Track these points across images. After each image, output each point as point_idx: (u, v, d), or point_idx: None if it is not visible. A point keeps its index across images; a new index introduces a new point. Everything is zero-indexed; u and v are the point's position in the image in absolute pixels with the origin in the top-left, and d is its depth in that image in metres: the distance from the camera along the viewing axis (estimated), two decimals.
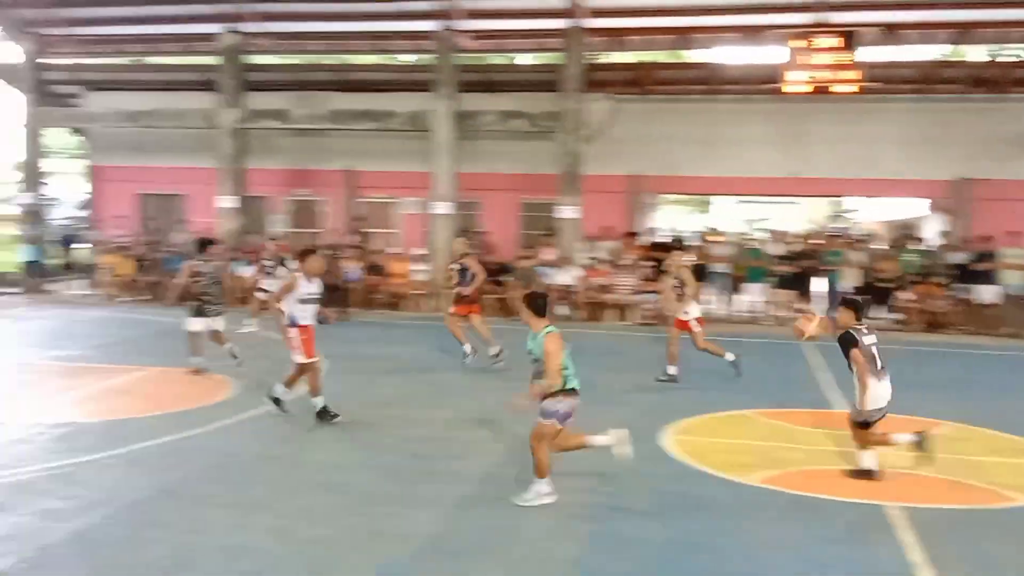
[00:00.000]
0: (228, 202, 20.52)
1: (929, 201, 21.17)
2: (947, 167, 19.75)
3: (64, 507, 7.02)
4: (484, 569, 6.12)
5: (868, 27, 18.90)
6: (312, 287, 9.92)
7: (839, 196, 26.11)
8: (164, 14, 21.70)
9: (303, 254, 10.29)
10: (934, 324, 17.44)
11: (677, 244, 14.68)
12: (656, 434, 9.41)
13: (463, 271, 13.48)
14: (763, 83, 19.52)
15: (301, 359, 9.76)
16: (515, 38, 21.84)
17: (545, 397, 7.24)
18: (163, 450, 8.71)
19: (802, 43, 17.97)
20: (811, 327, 8.49)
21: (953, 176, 19.76)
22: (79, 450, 8.59)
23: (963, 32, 19.67)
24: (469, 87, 19.88)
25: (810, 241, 19.81)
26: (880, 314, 17.11)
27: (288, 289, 9.90)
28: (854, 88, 17.96)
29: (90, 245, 21.82)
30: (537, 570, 6.14)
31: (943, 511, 7.39)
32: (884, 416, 8.05)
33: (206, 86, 21.89)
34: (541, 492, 7.35)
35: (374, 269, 19.42)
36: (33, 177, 22.23)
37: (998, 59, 22.16)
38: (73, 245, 23.01)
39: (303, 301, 9.84)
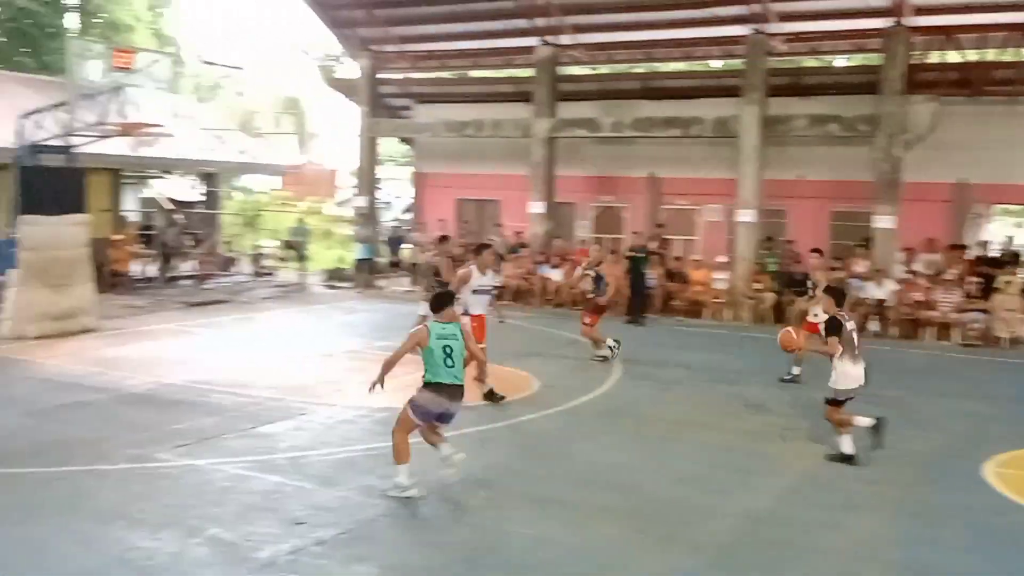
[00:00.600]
0: (538, 207, 21.37)
1: None
2: None
3: (382, 485, 7.67)
4: None
5: None
6: (485, 279, 10.67)
7: None
8: (486, 30, 23.11)
9: (478, 249, 11.12)
10: None
11: (1011, 259, 13.28)
12: (975, 464, 8.64)
13: (598, 278, 13.25)
14: None
15: (471, 345, 9.63)
16: (831, 39, 20.90)
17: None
18: (471, 439, 9.24)
19: None
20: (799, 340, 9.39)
21: None
22: None
23: None
24: (778, 91, 19.28)
25: None
26: None
27: (464, 280, 10.62)
28: None
29: (413, 245, 23.56)
30: None
31: None
32: (854, 397, 8.62)
33: (521, 97, 22.96)
34: (399, 485, 7.34)
35: (674, 276, 19.38)
36: (367, 182, 24.42)
37: None
38: (400, 245, 24.94)
39: (476, 292, 10.64)
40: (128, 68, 14.60)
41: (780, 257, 19.16)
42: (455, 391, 7.59)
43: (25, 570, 5.81)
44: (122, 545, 6.25)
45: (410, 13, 23.38)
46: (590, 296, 13.69)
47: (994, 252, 19.27)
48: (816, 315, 11.55)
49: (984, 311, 16.32)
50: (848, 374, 8.55)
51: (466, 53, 24.18)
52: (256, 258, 25.08)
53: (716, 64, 25.69)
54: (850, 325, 8.73)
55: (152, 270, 22.12)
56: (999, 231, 26.44)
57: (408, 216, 28.44)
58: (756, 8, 18.99)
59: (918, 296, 16.92)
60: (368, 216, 23.52)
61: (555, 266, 20.04)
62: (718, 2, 19.38)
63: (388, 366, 7.70)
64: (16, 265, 14.33)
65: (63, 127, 14.65)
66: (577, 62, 23.53)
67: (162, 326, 15.75)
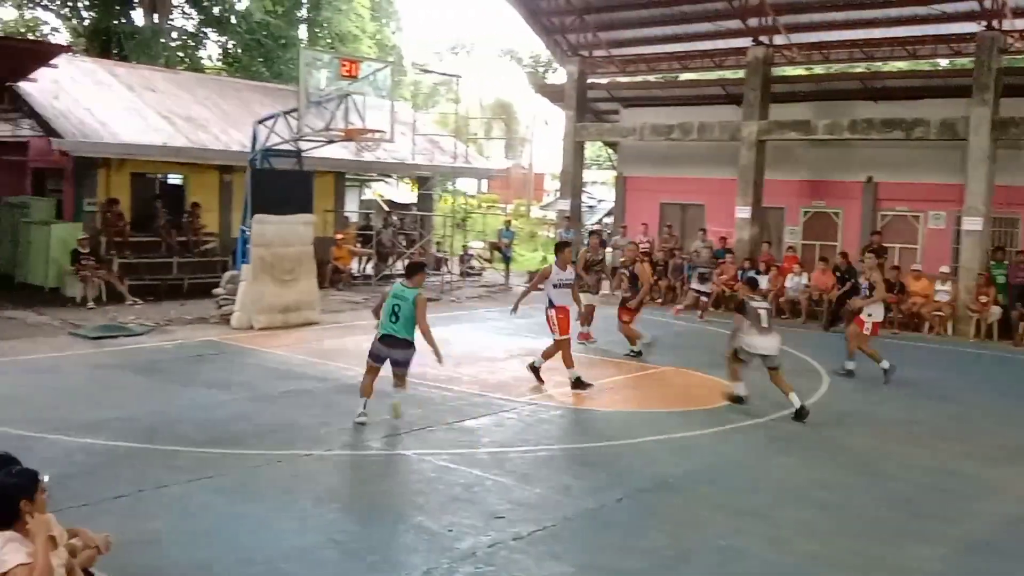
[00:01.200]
0: (744, 212, 20.89)
1: None
2: None
3: (578, 485, 7.79)
4: None
5: None
6: (565, 275, 11.80)
7: None
8: (697, 32, 22.88)
9: (558, 248, 12.39)
10: None
11: None
12: None
13: (633, 278, 13.55)
14: None
15: (557, 336, 11.55)
16: None
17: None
18: (668, 445, 9.22)
19: None
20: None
21: None
22: (595, 435, 9.46)
23: None
24: (1011, 91, 17.93)
25: None
26: None
27: (544, 276, 11.94)
28: None
29: (615, 249, 23.61)
30: None
31: None
32: (753, 359, 10.53)
33: (730, 99, 22.56)
34: (358, 412, 9.32)
35: (891, 286, 18.38)
36: (572, 186, 24.69)
37: None
38: (603, 249, 25.00)
39: (557, 286, 11.72)
40: (353, 76, 15.46)
41: (1010, 269, 17.80)
42: (391, 340, 9.45)
43: (246, 544, 6.31)
44: (334, 526, 6.68)
45: (620, 18, 23.51)
46: (625, 296, 14.22)
47: None
48: None
49: None
50: (752, 343, 10.40)
51: (675, 56, 23.98)
52: (464, 259, 25.94)
53: (942, 63, 24.19)
54: (758, 304, 10.58)
55: (369, 268, 23.35)
56: None
57: (611, 219, 28.51)
58: (988, 3, 17.74)
59: None
60: (572, 219, 23.77)
61: (762, 272, 19.52)
62: None
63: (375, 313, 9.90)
64: (248, 260, 15.51)
65: (293, 132, 15.72)
66: (791, 62, 22.83)
67: (376, 321, 16.56)
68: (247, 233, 15.58)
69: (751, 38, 20.97)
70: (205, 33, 34.32)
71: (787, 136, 20.69)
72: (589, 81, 24.75)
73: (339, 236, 21.87)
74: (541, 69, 47.47)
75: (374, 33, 38.92)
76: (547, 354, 11.72)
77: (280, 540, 6.36)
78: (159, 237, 19.34)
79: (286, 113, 15.78)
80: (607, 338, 15.77)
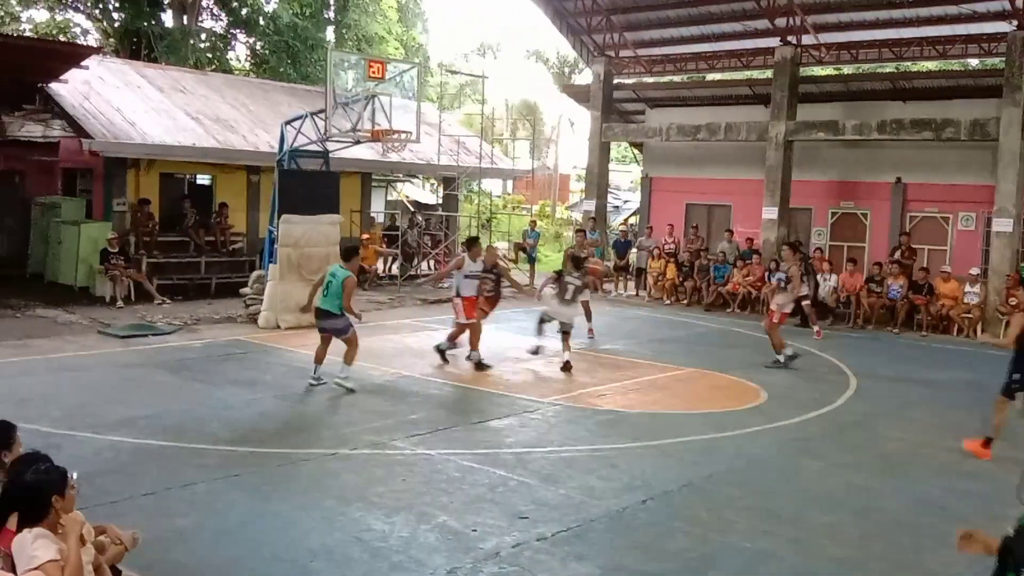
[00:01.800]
0: (770, 213, 20.75)
1: None
2: None
3: (603, 487, 7.77)
4: None
5: None
6: (475, 267, 12.79)
7: None
8: (724, 32, 22.79)
9: (469, 243, 13.33)
10: None
11: None
12: None
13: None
14: None
15: (461, 320, 12.78)
16: None
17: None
18: (693, 447, 9.18)
19: None
20: None
21: None
22: (619, 436, 9.43)
23: None
24: None
25: None
26: None
27: (457, 266, 12.93)
28: None
29: (640, 250, 23.54)
30: None
31: None
32: (553, 321, 13.07)
33: (758, 100, 22.43)
34: (311, 376, 10.96)
35: (918, 288, 18.21)
36: (597, 187, 24.64)
37: None
38: (628, 249, 24.97)
39: (467, 277, 12.75)
40: (380, 78, 15.53)
41: None
42: (320, 313, 10.97)
43: (272, 541, 6.35)
44: (359, 525, 6.70)
45: (647, 18, 23.47)
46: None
47: None
48: None
49: None
50: (557, 309, 13.01)
51: (702, 56, 23.88)
52: None
53: (973, 62, 23.92)
54: (570, 280, 12.96)
55: (395, 268, 23.42)
56: None
57: (636, 220, 28.42)
58: (1019, 3, 17.54)
59: None
60: (597, 220, 23.73)
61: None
62: None
63: (309, 297, 11.25)
64: (275, 260, 15.61)
65: (320, 133, 15.81)
66: (819, 62, 22.66)
67: (402, 321, 16.66)
68: (274, 233, 15.69)
69: (779, 38, 20.84)
70: (234, 35, 34.56)
71: (815, 136, 20.53)
72: (615, 81, 24.68)
73: (365, 236, 21.96)
74: (567, 70, 47.45)
75: (401, 34, 39.06)
76: (451, 337, 13.04)
77: (305, 538, 6.39)
78: (187, 237, 19.53)
79: (313, 114, 15.86)
80: (628, 339, 15.75)
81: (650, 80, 25.70)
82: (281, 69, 31.79)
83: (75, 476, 4.34)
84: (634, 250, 23.74)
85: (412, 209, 28.07)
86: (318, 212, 15.74)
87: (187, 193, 21.04)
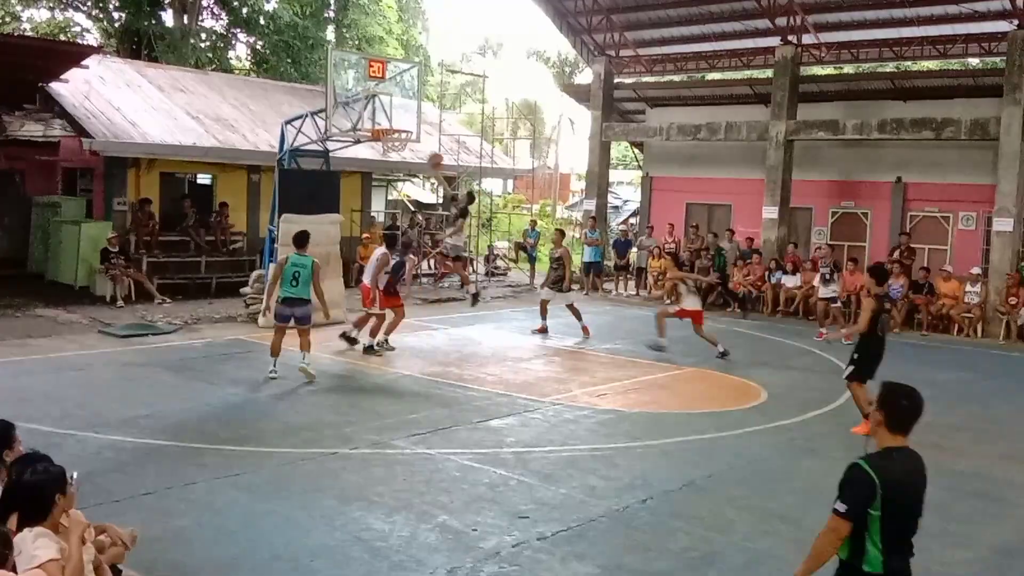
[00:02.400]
0: (771, 212, 20.75)
1: None
2: None
3: (603, 486, 7.77)
4: None
5: None
6: (393, 263, 13.62)
7: None
8: (724, 31, 22.79)
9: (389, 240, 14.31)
10: None
11: None
12: None
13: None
14: None
15: (375, 310, 13.36)
16: None
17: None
18: (694, 446, 9.18)
19: None
20: None
21: None
22: (619, 436, 9.44)
23: None
24: None
25: None
26: None
27: (384, 263, 13.35)
28: None
29: (640, 250, 23.53)
30: None
31: None
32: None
33: (758, 99, 22.43)
34: (270, 369, 11.22)
35: (919, 287, 18.21)
36: (597, 186, 24.63)
37: None
38: (628, 249, 24.98)
39: (386, 273, 13.38)
40: (380, 77, 15.52)
41: None
42: (293, 301, 11.24)
43: (272, 541, 6.35)
44: (359, 525, 6.70)
45: (647, 17, 23.48)
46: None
47: None
48: None
49: None
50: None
51: (702, 56, 23.89)
52: (489, 258, 25.95)
53: (973, 62, 23.92)
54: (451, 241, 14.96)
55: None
56: None
57: (636, 220, 28.41)
58: (1020, 2, 17.55)
59: None
60: (597, 219, 23.72)
61: (790, 272, 19.42)
62: None
63: (268, 293, 11.81)
64: (275, 259, 15.59)
65: (321, 132, 15.80)
66: (820, 62, 22.67)
67: (403, 321, 16.62)
68: (274, 232, 15.68)
69: (779, 37, 20.85)
70: (234, 34, 34.54)
71: (815, 136, 20.54)
72: (615, 81, 24.69)
73: (365, 236, 21.95)
74: (567, 69, 47.40)
75: (400, 34, 39.02)
76: (360, 322, 13.69)
77: (305, 537, 6.39)
78: (188, 236, 19.51)
79: (314, 114, 15.86)
80: (628, 339, 15.74)
81: (650, 80, 25.70)
82: (281, 69, 31.78)
83: (75, 475, 4.35)
84: (634, 249, 23.73)
85: (412, 209, 28.07)
86: (318, 212, 15.72)
87: (187, 193, 21.04)
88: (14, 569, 3.99)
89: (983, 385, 13.03)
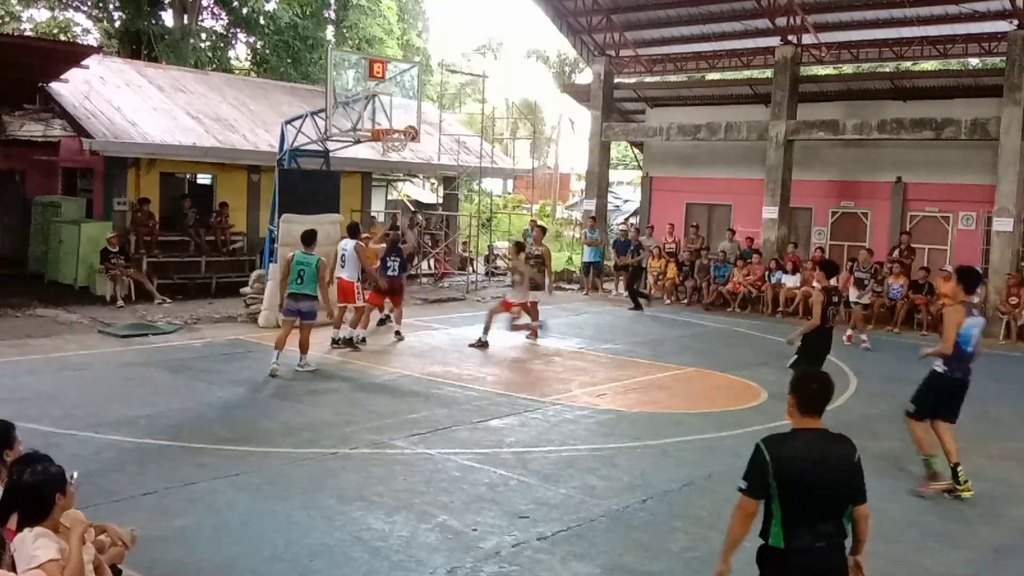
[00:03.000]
0: (771, 212, 20.76)
1: None
2: None
3: (603, 486, 7.77)
4: None
5: None
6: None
7: None
8: (724, 31, 22.79)
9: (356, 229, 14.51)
10: None
11: None
12: None
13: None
14: None
15: (359, 303, 13.83)
16: None
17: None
18: (694, 446, 9.18)
19: None
20: None
21: None
22: (619, 436, 9.44)
23: None
24: None
25: None
26: None
27: (373, 257, 14.03)
28: None
29: (641, 249, 23.52)
30: None
31: None
32: None
33: (758, 99, 22.43)
34: (272, 363, 11.47)
35: (918, 287, 18.20)
36: (597, 186, 24.64)
37: None
38: (627, 249, 25.00)
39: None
40: (380, 77, 15.52)
41: None
42: (299, 297, 11.67)
43: (272, 541, 6.35)
44: (359, 524, 6.71)
45: (647, 17, 23.48)
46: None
47: None
48: None
49: None
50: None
51: (702, 55, 23.89)
52: (489, 258, 25.95)
53: (973, 62, 23.92)
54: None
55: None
56: None
57: (636, 220, 28.42)
58: (1020, 2, 17.55)
59: None
60: (597, 219, 23.73)
61: (790, 272, 19.42)
62: None
63: (276, 291, 12.66)
64: (275, 260, 15.59)
65: (321, 132, 15.80)
66: (820, 62, 22.67)
67: (402, 321, 16.61)
68: (275, 232, 15.68)
69: (779, 37, 20.85)
70: (234, 34, 34.54)
71: (815, 136, 20.55)
72: (615, 81, 24.70)
73: (365, 235, 21.93)
74: (567, 69, 47.40)
75: (400, 35, 39.00)
76: (354, 322, 13.92)
77: (305, 537, 6.40)
78: (188, 236, 19.52)
79: (314, 114, 15.86)
80: (629, 338, 15.75)
81: (650, 79, 25.70)
82: (281, 69, 31.77)
83: (75, 475, 4.35)
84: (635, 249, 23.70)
85: (413, 208, 28.06)
86: (318, 211, 15.70)
87: (187, 192, 21.04)
88: (13, 569, 3.99)
89: (983, 385, 12.91)
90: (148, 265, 18.04)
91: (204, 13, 33.20)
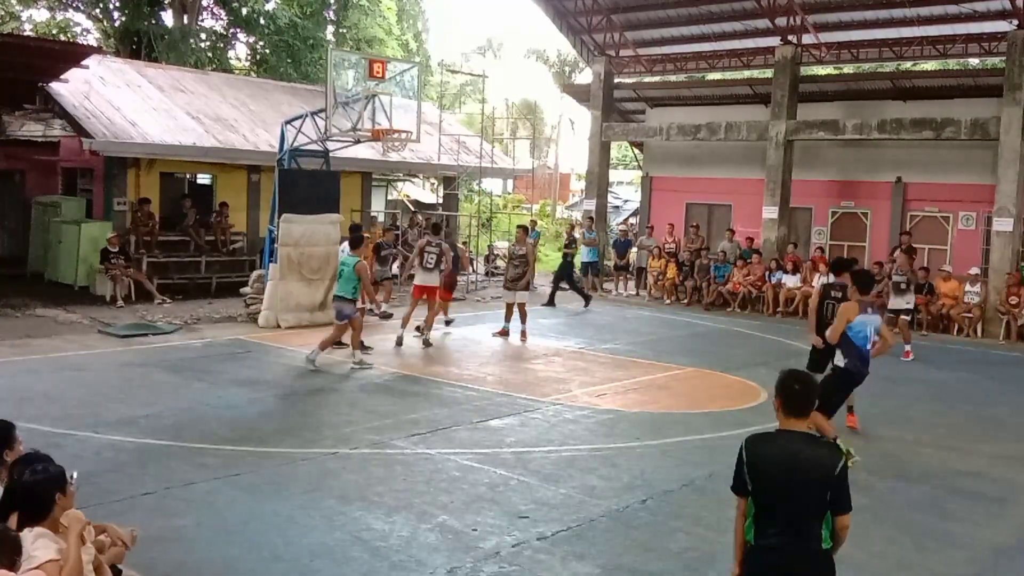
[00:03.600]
0: (771, 212, 20.76)
1: None
2: None
3: (603, 486, 7.77)
4: None
5: None
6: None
7: None
8: (724, 31, 22.80)
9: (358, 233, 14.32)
10: None
11: None
12: None
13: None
14: None
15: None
16: None
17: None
18: (694, 446, 9.18)
19: None
20: None
21: None
22: (619, 436, 9.43)
23: None
24: None
25: None
26: None
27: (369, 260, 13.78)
28: None
29: (640, 249, 23.52)
30: None
31: None
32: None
33: (758, 99, 22.43)
34: (310, 359, 11.93)
35: (918, 287, 18.18)
36: (597, 186, 24.64)
37: None
38: (627, 249, 25.01)
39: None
40: (380, 77, 15.51)
41: None
42: (335, 298, 12.47)
43: (272, 541, 6.34)
44: (359, 524, 6.70)
45: (647, 17, 23.49)
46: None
47: None
48: None
49: None
50: (419, 277, 14.58)
51: (702, 55, 23.89)
52: (489, 258, 25.94)
53: (973, 62, 23.93)
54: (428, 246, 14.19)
55: (395, 268, 23.36)
56: None
57: (636, 220, 28.42)
58: (1020, 2, 17.56)
59: None
60: (597, 219, 23.72)
61: (791, 272, 19.42)
62: None
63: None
64: (275, 259, 15.60)
65: (320, 132, 15.80)
66: (820, 62, 22.67)
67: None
68: (274, 232, 15.68)
69: (779, 37, 20.85)
70: (234, 34, 34.53)
71: (815, 136, 20.55)
72: (615, 81, 24.70)
73: (365, 235, 21.94)
74: (567, 69, 47.39)
75: (400, 35, 38.99)
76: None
77: (305, 538, 6.39)
78: (188, 236, 19.51)
79: (314, 114, 15.85)
80: (630, 338, 15.75)
81: (650, 79, 25.70)
82: (281, 69, 31.76)
83: (75, 475, 4.35)
84: (634, 249, 23.72)
85: (413, 208, 28.05)
86: (318, 211, 15.73)
87: (187, 192, 21.03)
88: (16, 570, 3.99)
89: (983, 385, 13.02)
90: (148, 265, 18.04)
91: (204, 13, 33.20)
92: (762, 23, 21.48)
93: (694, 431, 9.72)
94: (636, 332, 16.61)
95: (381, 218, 26.36)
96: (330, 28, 34.82)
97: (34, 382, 10.78)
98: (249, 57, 35.64)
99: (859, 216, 21.67)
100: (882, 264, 18.88)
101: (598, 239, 23.24)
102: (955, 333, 17.61)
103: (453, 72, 37.96)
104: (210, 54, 32.96)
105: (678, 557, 6.36)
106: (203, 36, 33.22)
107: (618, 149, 39.00)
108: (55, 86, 18.14)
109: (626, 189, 44.25)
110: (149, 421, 9.19)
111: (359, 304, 13.22)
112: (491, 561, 6.13)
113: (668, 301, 21.08)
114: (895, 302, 15.00)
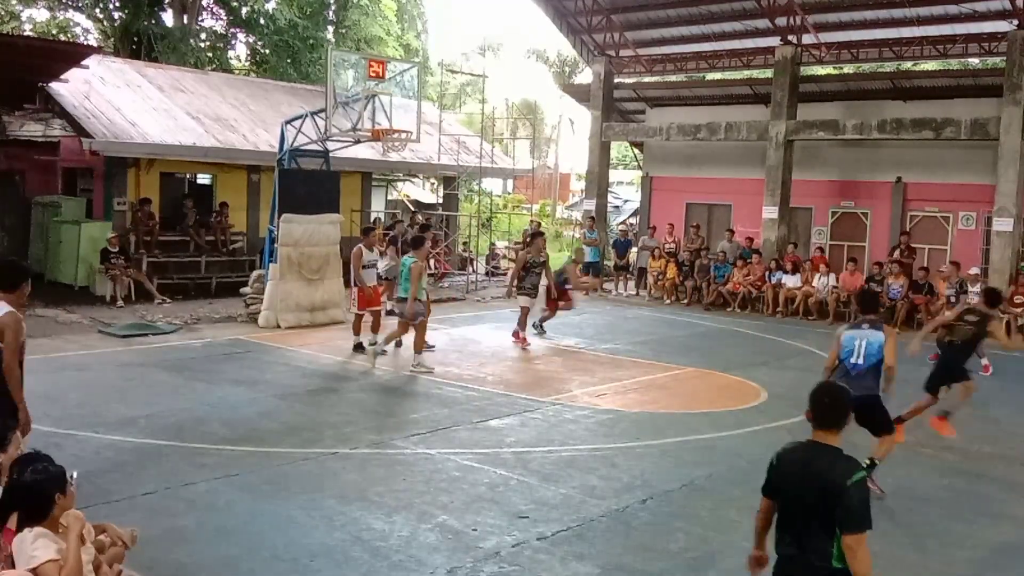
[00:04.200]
0: (771, 212, 20.76)
1: None
2: None
3: (603, 486, 7.77)
4: None
5: None
6: (372, 256, 13.60)
7: None
8: (724, 31, 22.80)
9: (364, 231, 14.58)
10: None
11: None
12: None
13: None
14: None
15: (354, 310, 13.53)
16: None
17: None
18: (694, 446, 9.18)
19: None
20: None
21: None
22: (619, 436, 9.43)
23: None
24: None
25: None
26: None
27: (356, 257, 13.32)
28: None
29: (640, 249, 23.51)
30: None
31: None
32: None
33: (758, 99, 22.43)
34: (375, 349, 12.48)
35: (918, 287, 18.20)
36: (597, 186, 24.64)
37: None
38: (627, 249, 25.00)
39: (365, 267, 13.32)
40: (380, 77, 15.51)
41: None
42: (398, 300, 12.50)
43: (272, 541, 6.35)
44: (359, 525, 6.70)
45: (647, 17, 23.49)
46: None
47: None
48: None
49: None
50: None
51: (702, 55, 23.90)
52: (490, 258, 25.94)
53: (973, 62, 23.92)
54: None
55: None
56: None
57: (636, 220, 28.42)
58: (1020, 2, 17.56)
59: None
60: (597, 219, 23.72)
61: (790, 272, 19.42)
62: None
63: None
64: (275, 259, 15.60)
65: (320, 132, 15.80)
66: (820, 62, 22.68)
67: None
68: (274, 232, 15.68)
69: (779, 37, 20.86)
70: (234, 34, 34.53)
71: (815, 136, 20.55)
72: (615, 81, 24.70)
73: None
74: (567, 69, 47.41)
75: (399, 35, 38.98)
76: (355, 329, 13.62)
77: (305, 537, 6.39)
78: (188, 236, 19.51)
79: (314, 114, 15.85)
80: (630, 338, 15.75)
81: (650, 79, 25.70)
82: (281, 69, 31.76)
83: (75, 475, 4.35)
84: (634, 249, 23.72)
85: (413, 208, 28.05)
86: (318, 211, 15.74)
87: (187, 192, 21.02)
88: (12, 568, 3.99)
89: (983, 385, 12.99)
90: (148, 265, 18.03)
91: (204, 13, 33.20)
92: (762, 23, 21.49)
93: (694, 431, 9.72)
94: (636, 332, 16.60)
95: (381, 218, 26.37)
96: (330, 28, 34.81)
97: (34, 382, 10.73)
98: (249, 57, 35.65)
99: (859, 216, 21.67)
100: (882, 264, 18.91)
101: (599, 239, 23.22)
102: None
103: (453, 72, 37.94)
104: (210, 54, 32.96)
105: (678, 557, 6.36)
106: (203, 36, 33.22)
107: (618, 149, 39.00)
108: (55, 86, 18.14)
109: (626, 189, 44.27)
110: (149, 421, 9.19)
111: (390, 305, 13.59)
112: (491, 561, 6.13)
113: (668, 301, 21.08)
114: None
